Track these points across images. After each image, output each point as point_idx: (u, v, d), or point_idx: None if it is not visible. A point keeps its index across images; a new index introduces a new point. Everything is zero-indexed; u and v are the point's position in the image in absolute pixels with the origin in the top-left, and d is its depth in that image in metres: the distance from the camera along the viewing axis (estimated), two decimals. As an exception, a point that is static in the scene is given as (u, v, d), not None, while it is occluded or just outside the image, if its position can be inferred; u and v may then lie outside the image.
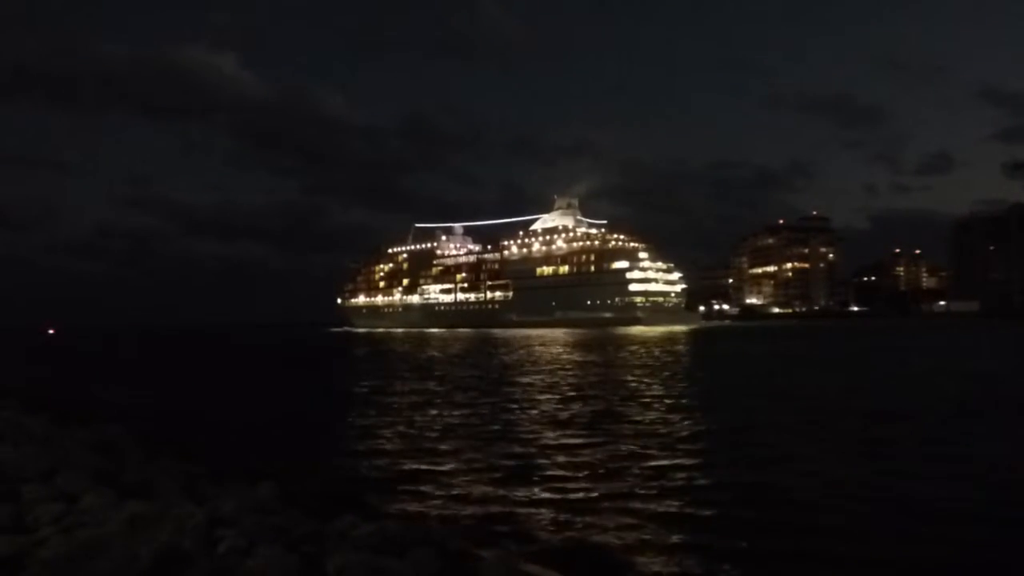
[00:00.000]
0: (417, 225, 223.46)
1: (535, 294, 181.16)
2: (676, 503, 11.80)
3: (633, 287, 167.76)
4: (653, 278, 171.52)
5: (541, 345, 74.48)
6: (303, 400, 29.80)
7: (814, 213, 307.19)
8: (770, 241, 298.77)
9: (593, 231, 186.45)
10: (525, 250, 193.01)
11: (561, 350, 63.14)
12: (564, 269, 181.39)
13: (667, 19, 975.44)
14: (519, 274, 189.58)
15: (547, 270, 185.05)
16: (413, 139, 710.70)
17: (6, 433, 14.35)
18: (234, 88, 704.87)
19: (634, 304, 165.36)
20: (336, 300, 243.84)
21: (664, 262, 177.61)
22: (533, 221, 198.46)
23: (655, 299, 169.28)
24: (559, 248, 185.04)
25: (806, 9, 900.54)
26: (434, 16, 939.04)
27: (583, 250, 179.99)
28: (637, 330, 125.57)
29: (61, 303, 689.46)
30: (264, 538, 8.05)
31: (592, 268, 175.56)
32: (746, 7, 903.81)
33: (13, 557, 7.89)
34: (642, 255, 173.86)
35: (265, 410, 26.21)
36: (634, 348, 63.97)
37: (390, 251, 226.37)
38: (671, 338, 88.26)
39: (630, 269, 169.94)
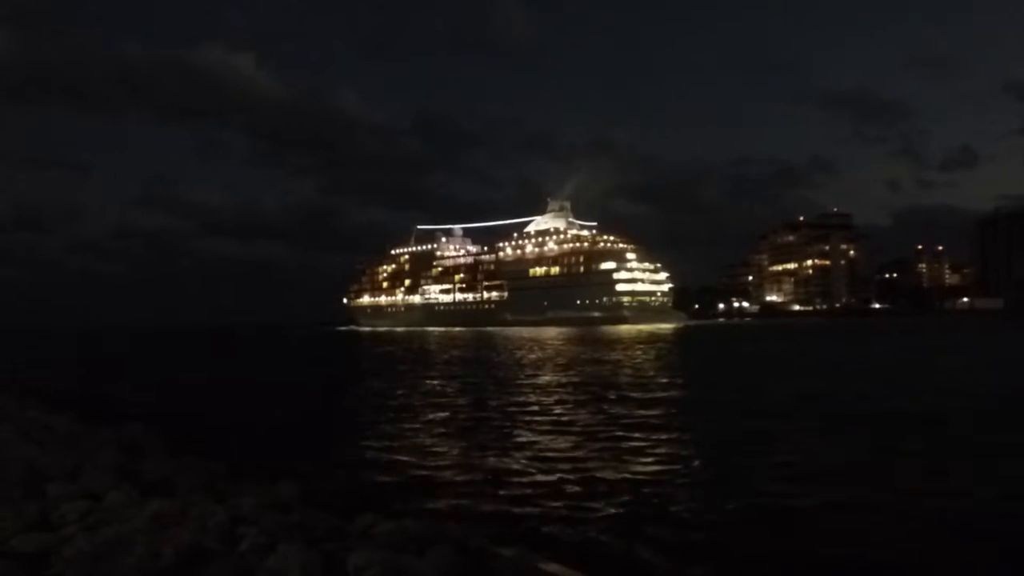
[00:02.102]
0: (419, 227, 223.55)
1: (528, 294, 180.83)
2: (693, 508, 11.18)
3: (620, 287, 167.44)
4: (640, 278, 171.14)
5: (538, 344, 73.96)
6: (318, 399, 28.88)
7: (835, 210, 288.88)
8: (791, 238, 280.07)
9: (584, 233, 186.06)
10: (519, 251, 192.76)
11: (559, 351, 62.38)
12: (555, 270, 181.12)
13: (685, 16, 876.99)
14: (513, 275, 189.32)
15: (539, 271, 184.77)
16: (429, 138, 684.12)
17: (32, 432, 14.04)
18: (251, 88, 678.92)
19: (621, 303, 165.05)
20: (343, 300, 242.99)
21: (651, 262, 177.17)
22: (528, 223, 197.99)
23: (641, 298, 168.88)
24: (551, 250, 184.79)
25: (826, 3, 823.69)
26: (449, 14, 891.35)
27: (573, 251, 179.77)
28: (623, 328, 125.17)
29: (84, 304, 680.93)
30: (285, 536, 7.78)
31: (581, 269, 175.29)
32: (765, 2, 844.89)
33: (39, 554, 7.67)
34: (629, 256, 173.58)
35: (281, 409, 25.48)
36: (633, 348, 62.99)
37: (393, 252, 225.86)
38: (657, 337, 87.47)
39: (617, 270, 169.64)
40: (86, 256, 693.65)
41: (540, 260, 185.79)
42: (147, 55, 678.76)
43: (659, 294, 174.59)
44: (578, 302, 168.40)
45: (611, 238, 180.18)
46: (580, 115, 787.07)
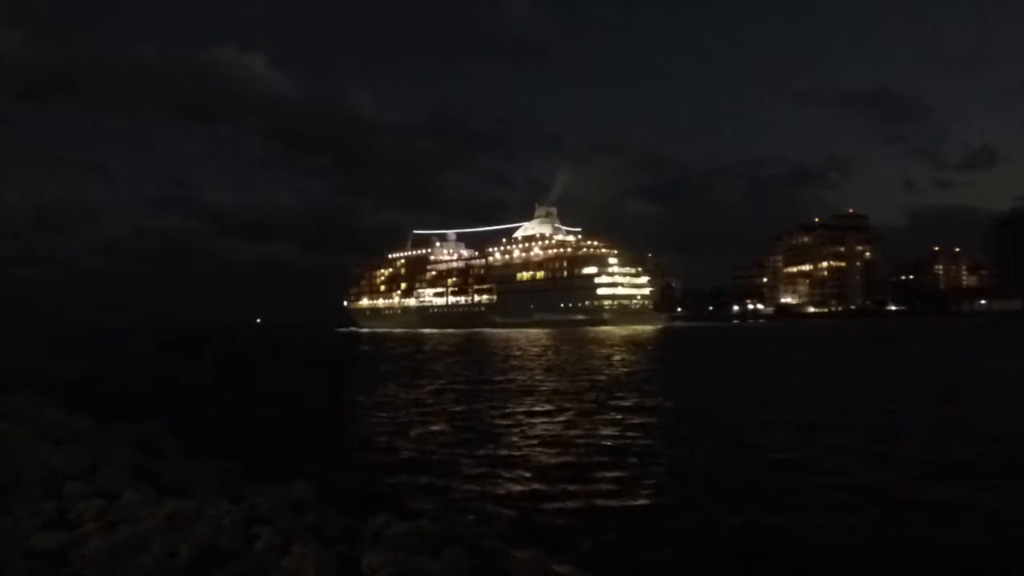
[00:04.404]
0: (415, 232, 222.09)
1: (515, 297, 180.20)
2: (708, 515, 10.44)
3: (601, 291, 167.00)
4: (620, 282, 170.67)
5: (528, 346, 73.43)
6: (331, 399, 27.79)
7: (850, 211, 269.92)
8: (805, 239, 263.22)
9: (569, 238, 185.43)
10: (507, 256, 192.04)
11: (554, 353, 61.54)
12: (540, 274, 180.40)
13: (699, 14, 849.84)
14: (501, 279, 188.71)
15: (525, 275, 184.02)
16: (442, 138, 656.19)
17: (50, 431, 13.58)
18: (264, 89, 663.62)
19: (602, 306, 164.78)
20: (344, 302, 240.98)
21: (632, 267, 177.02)
22: (517, 228, 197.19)
23: (622, 301, 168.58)
24: (536, 255, 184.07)
25: (842, 1, 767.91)
26: (462, 14, 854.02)
27: (557, 257, 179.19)
28: (604, 330, 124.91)
29: (101, 304, 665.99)
30: (300, 536, 7.44)
31: (565, 273, 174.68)
32: (779, 0, 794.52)
33: (57, 552, 7.37)
34: (611, 260, 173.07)
35: (296, 409, 24.70)
36: (624, 350, 62.17)
37: (390, 256, 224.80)
38: (638, 339, 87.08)
39: (598, 274, 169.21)
40: (103, 256, 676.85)
41: (527, 265, 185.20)
42: (161, 56, 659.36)
43: (639, 297, 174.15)
44: (562, 305, 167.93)
45: (594, 243, 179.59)
46: (594, 115, 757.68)
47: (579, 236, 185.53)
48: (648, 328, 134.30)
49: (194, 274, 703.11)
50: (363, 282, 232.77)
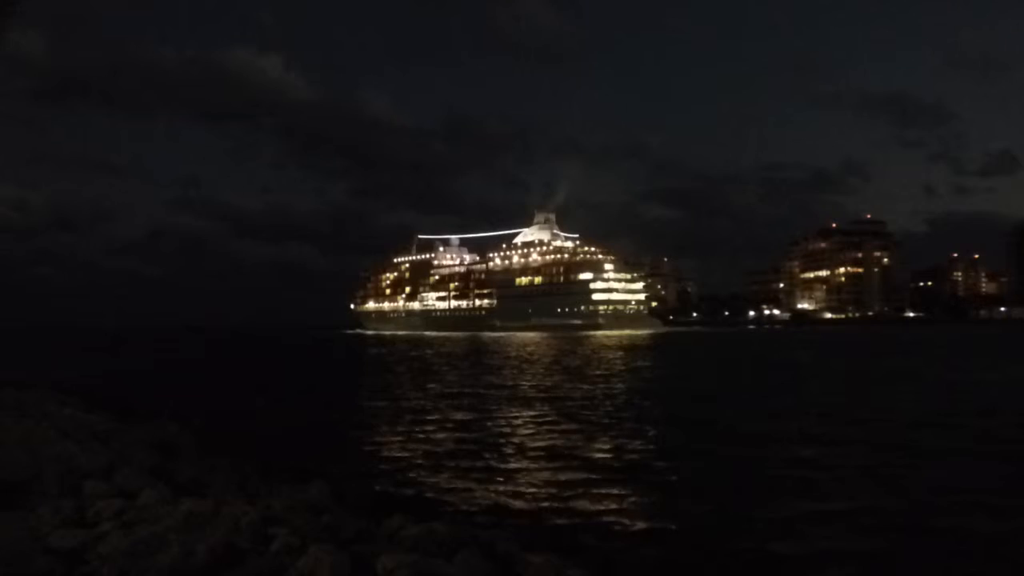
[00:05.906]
0: (420, 236, 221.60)
1: (514, 302, 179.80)
2: (720, 522, 10.11)
3: (596, 296, 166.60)
4: (615, 287, 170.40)
5: (531, 349, 72.99)
6: (345, 401, 27.17)
7: (869, 216, 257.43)
8: (823, 245, 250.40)
9: (567, 244, 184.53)
10: (507, 262, 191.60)
11: (562, 356, 61.02)
12: (538, 279, 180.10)
13: (717, 17, 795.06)
14: (501, 284, 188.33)
15: (524, 280, 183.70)
16: (458, 141, 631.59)
17: (69, 430, 13.35)
18: (280, 90, 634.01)
19: (597, 311, 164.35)
20: (350, 305, 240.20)
21: (628, 272, 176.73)
22: (517, 234, 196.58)
23: (617, 307, 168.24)
24: (535, 260, 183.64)
25: (861, 4, 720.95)
26: (478, 16, 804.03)
27: (555, 263, 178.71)
28: (598, 334, 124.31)
29: (119, 303, 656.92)
30: (316, 537, 7.24)
31: (562, 279, 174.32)
32: (799, 3, 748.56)
33: (76, 550, 7.18)
34: (607, 266, 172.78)
35: (310, 410, 24.19)
36: (620, 354, 61.63)
37: (395, 261, 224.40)
38: (631, 343, 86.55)
39: (594, 280, 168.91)
40: (121, 257, 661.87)
41: (525, 270, 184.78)
42: (178, 58, 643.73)
43: (634, 302, 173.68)
44: (559, 310, 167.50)
45: (591, 249, 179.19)
46: (611, 118, 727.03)
47: (577, 242, 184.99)
48: (643, 333, 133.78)
49: (210, 275, 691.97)
50: (369, 285, 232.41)
